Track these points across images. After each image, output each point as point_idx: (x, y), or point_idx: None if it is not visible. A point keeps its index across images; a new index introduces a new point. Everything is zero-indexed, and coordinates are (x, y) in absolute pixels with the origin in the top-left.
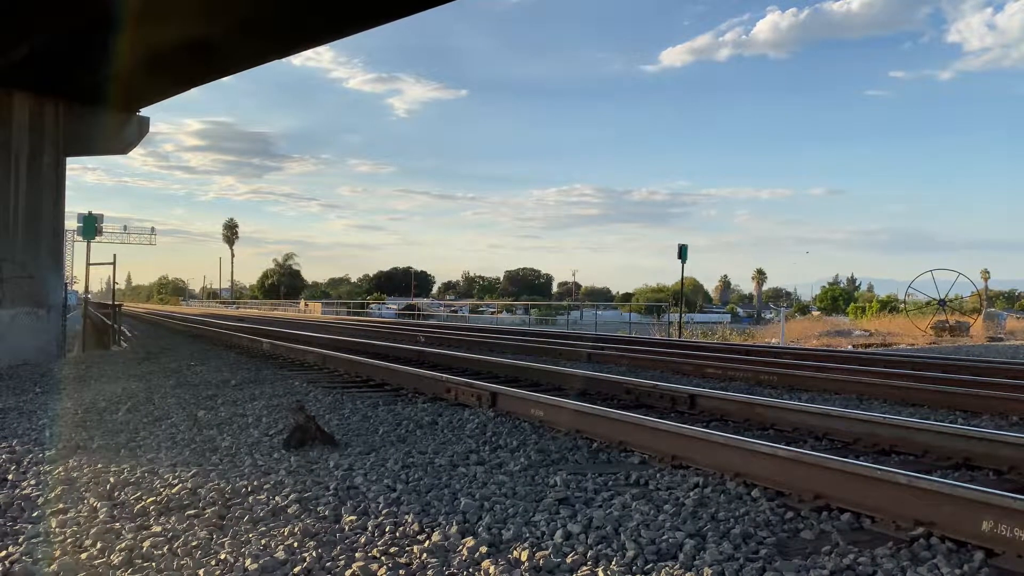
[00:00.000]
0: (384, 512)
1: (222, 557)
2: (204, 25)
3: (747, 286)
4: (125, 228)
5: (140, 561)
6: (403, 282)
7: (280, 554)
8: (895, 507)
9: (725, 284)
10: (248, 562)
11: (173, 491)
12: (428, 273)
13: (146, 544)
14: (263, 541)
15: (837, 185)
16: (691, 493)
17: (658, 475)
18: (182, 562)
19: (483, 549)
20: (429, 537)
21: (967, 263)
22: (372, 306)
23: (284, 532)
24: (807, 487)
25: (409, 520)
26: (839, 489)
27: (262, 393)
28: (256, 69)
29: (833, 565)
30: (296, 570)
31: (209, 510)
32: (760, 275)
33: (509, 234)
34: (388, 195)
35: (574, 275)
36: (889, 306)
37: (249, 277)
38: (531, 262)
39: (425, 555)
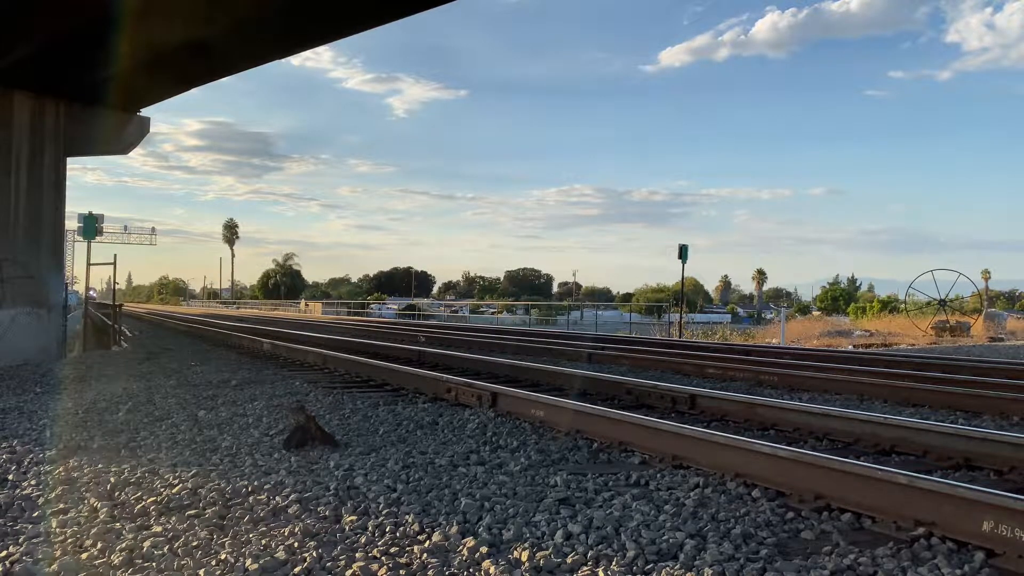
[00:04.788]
0: (384, 512)
1: (222, 557)
2: (204, 25)
3: (747, 286)
4: (125, 228)
5: (140, 561)
6: (403, 282)
7: (280, 554)
8: (896, 507)
9: (725, 284)
10: (248, 562)
11: (173, 491)
12: (428, 273)
13: (146, 544)
14: (263, 541)
15: (837, 185)
16: (691, 493)
17: (658, 475)
18: (182, 562)
19: (483, 549)
20: (429, 537)
21: (967, 263)
22: (372, 306)
23: (284, 532)
24: (808, 487)
25: (409, 520)
26: (840, 489)
27: (262, 393)
28: (256, 69)
29: (834, 565)
30: (296, 570)
31: (209, 510)
32: (760, 275)
33: (509, 234)
34: (388, 195)
35: (574, 275)
36: (890, 306)
37: (249, 277)
38: (531, 262)
39: (425, 555)
